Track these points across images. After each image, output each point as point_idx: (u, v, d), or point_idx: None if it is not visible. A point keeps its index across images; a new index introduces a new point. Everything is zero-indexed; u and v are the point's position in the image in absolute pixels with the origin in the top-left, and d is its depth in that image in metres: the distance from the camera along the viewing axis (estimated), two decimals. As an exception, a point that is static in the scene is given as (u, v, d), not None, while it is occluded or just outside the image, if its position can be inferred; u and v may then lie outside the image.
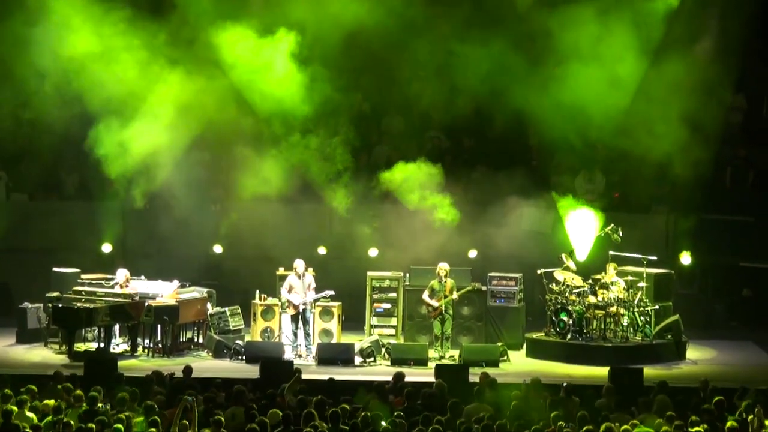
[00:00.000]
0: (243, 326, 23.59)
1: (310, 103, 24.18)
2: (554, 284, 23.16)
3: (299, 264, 22.64)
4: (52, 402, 15.93)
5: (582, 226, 24.05)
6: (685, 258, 25.21)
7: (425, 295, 22.62)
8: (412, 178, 23.94)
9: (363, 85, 25.81)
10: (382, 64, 25.32)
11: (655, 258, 23.53)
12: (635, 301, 22.81)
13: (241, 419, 15.61)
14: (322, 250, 25.71)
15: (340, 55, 24.40)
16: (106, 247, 25.83)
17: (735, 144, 27.46)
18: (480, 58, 24.53)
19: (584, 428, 15.04)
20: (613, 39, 24.26)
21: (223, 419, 15.14)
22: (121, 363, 20.07)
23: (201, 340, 23.06)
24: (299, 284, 22.49)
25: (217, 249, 26.35)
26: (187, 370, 18.32)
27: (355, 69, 25.14)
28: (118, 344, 22.93)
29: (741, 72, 26.50)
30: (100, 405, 15.81)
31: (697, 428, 15.27)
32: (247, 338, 23.05)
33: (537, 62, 24.62)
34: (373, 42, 24.34)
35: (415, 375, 19.77)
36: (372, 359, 22.10)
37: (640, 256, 23.22)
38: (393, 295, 23.93)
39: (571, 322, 22.73)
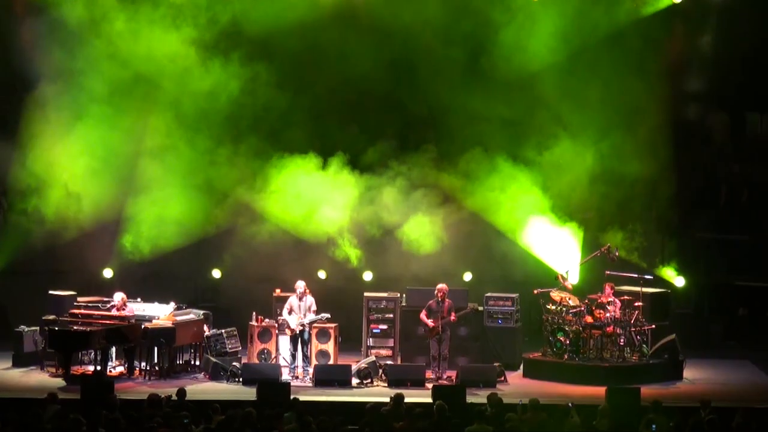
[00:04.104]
0: (240, 348, 23.56)
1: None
2: (551, 304, 23.16)
3: (300, 285, 22.66)
4: None
5: (565, 252, 24.08)
6: (679, 280, 25.15)
7: (423, 315, 22.62)
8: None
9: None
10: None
11: (651, 277, 23.56)
12: (632, 321, 22.81)
13: None
14: (321, 274, 25.61)
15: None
16: (107, 272, 25.77)
17: (727, 161, 27.50)
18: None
19: None
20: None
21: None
22: (117, 386, 20.02)
23: (198, 363, 23.05)
24: (299, 305, 22.52)
25: (216, 274, 26.37)
26: (181, 392, 18.28)
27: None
28: (115, 367, 22.93)
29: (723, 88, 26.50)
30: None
31: None
32: (244, 360, 23.03)
33: None
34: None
35: (412, 396, 19.73)
36: (369, 380, 22.08)
37: (636, 275, 23.24)
38: (390, 315, 23.93)
39: (567, 342, 22.73)
